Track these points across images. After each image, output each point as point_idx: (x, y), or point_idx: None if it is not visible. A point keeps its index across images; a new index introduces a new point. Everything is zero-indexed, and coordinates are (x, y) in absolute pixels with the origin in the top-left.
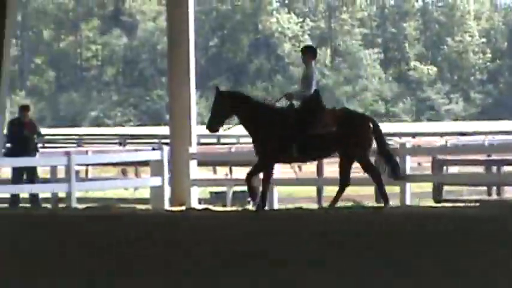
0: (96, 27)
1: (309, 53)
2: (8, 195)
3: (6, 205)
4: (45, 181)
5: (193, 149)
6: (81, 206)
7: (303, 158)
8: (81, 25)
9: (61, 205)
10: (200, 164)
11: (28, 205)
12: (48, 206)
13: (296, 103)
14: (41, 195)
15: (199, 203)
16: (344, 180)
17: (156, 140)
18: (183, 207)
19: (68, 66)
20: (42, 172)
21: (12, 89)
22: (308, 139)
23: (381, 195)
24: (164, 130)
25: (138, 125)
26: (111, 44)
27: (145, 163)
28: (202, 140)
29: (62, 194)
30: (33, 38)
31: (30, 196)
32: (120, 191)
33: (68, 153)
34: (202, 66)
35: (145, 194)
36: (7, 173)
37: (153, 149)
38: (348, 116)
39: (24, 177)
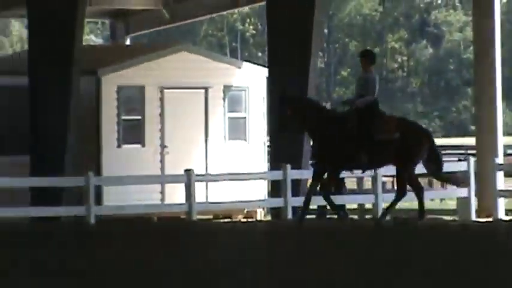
0: (402, 38)
1: (367, 57)
2: (315, 207)
3: (313, 216)
4: (353, 192)
5: (500, 159)
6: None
7: (371, 166)
8: (387, 36)
9: (368, 216)
10: (507, 174)
11: (335, 216)
12: (355, 217)
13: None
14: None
15: (506, 214)
16: (400, 191)
17: (462, 151)
18: (490, 219)
19: None
20: (349, 183)
21: None
22: (374, 146)
23: (419, 209)
24: (470, 141)
25: (444, 136)
26: (417, 55)
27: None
28: (510, 151)
29: (369, 205)
30: (339, 50)
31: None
32: (426, 201)
33: None
34: (508, 77)
35: (452, 205)
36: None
37: (459, 160)
38: (409, 126)
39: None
